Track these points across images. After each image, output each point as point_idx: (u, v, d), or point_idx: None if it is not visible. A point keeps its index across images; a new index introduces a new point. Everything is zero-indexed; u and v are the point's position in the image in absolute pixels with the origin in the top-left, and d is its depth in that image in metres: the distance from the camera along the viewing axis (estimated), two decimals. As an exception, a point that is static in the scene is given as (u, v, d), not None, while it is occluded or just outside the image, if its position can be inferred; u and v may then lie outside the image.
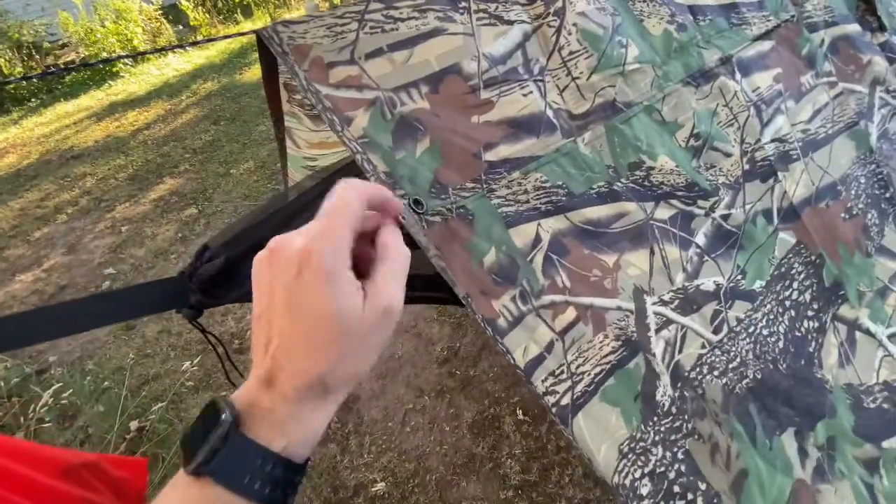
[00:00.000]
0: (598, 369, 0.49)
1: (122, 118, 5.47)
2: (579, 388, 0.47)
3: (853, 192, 0.82)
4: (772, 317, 0.69)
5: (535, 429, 1.80)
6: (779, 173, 0.75)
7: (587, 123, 0.63)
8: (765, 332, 0.68)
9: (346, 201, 0.30)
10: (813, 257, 0.75)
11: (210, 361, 2.27)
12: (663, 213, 0.66)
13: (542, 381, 0.46)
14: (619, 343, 0.52)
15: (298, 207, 0.59)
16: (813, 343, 0.70)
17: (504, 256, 0.49)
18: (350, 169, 0.66)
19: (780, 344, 0.68)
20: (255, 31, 0.46)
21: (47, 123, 5.80)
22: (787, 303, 0.71)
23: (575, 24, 0.63)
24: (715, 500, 0.47)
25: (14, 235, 3.60)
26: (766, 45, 0.84)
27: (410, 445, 1.84)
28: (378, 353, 0.31)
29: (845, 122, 0.85)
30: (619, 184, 0.63)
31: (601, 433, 0.45)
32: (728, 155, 0.72)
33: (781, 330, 0.69)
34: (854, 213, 0.80)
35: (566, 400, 0.46)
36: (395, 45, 0.52)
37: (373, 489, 1.71)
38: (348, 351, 0.29)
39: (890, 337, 0.77)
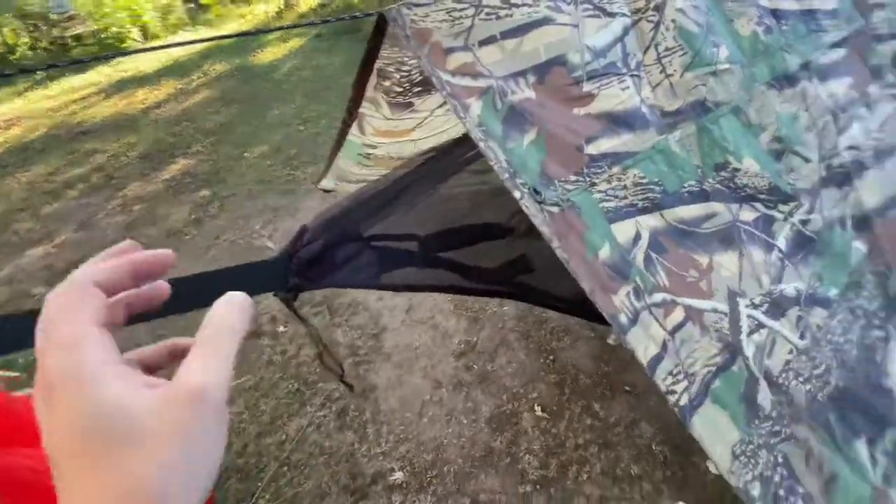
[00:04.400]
0: (705, 370, 0.49)
1: (131, 96, 5.41)
2: (694, 388, 0.47)
3: (920, 203, 0.82)
4: (846, 325, 0.69)
5: (554, 425, 1.81)
6: (854, 181, 0.75)
7: (677, 122, 0.62)
8: (841, 339, 0.68)
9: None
10: (882, 267, 0.74)
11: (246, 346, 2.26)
12: (747, 215, 0.66)
13: (663, 381, 0.47)
14: (722, 345, 0.52)
15: (391, 195, 0.59)
16: (880, 352, 0.71)
17: (614, 251, 0.49)
18: (442, 156, 0.66)
19: (855, 352, 0.68)
20: (380, 11, 0.45)
21: (55, 97, 5.73)
22: (858, 311, 0.72)
23: (673, 21, 0.62)
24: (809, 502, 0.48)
25: (23, 209, 3.56)
26: (840, 53, 0.83)
27: (428, 436, 1.85)
28: (204, 461, 0.21)
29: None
30: (707, 183, 0.63)
31: (715, 435, 0.46)
32: (807, 160, 0.72)
33: (854, 338, 0.69)
34: (921, 225, 0.80)
35: (684, 400, 0.46)
36: (508, 33, 0.51)
37: (391, 478, 1.72)
38: (143, 460, 0.20)
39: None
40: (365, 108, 0.78)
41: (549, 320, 2.22)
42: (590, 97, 0.57)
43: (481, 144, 0.45)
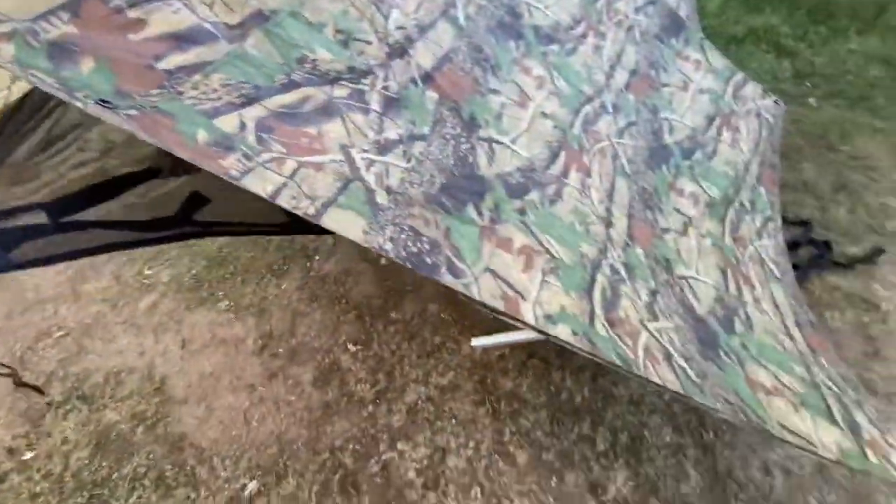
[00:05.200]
0: (329, 193, 0.67)
1: None
2: (318, 203, 0.64)
3: (460, 57, 1.20)
4: (441, 146, 1.00)
5: (369, 349, 2.01)
6: (409, 51, 1.05)
7: (245, 32, 0.75)
8: (440, 157, 0.99)
9: None
10: (452, 104, 1.09)
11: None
12: (340, 92, 0.86)
13: (287, 202, 0.61)
14: (343, 179, 0.71)
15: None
16: (471, 157, 1.06)
17: (216, 134, 0.59)
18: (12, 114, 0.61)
19: (451, 161, 1.00)
20: None
21: None
22: (448, 136, 1.04)
23: None
24: (434, 244, 0.74)
25: None
26: None
27: (264, 435, 1.81)
28: None
29: (440, 11, 1.22)
30: (295, 75, 0.79)
31: (346, 225, 0.65)
32: (369, 43, 0.97)
33: (450, 153, 1.02)
34: (466, 70, 1.19)
35: (312, 210, 0.62)
36: (7, -22, 0.52)
37: (245, 492, 1.65)
38: None
39: (511, 141, 1.20)
40: None
41: (327, 275, 2.35)
42: (141, 23, 0.63)
43: (21, 73, 0.47)
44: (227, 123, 0.63)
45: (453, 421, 1.76)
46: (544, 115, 1.37)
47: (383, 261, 2.40)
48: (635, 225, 1.35)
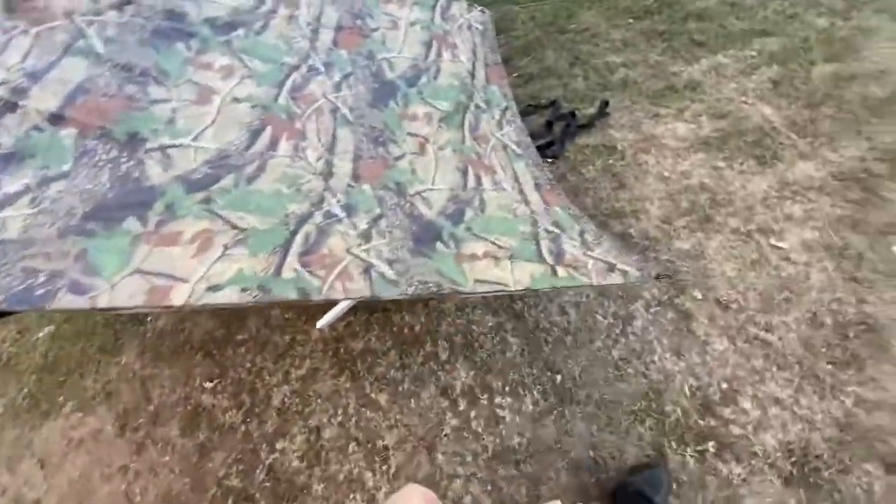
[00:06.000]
0: None
1: None
2: None
3: (101, 83, 1.20)
4: (91, 176, 1.03)
5: (226, 378, 2.03)
6: (22, 101, 1.05)
7: None
8: (89, 185, 1.02)
9: None
10: (99, 131, 1.11)
11: None
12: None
13: None
14: None
15: None
16: (136, 172, 1.09)
17: None
18: None
19: (107, 185, 1.04)
20: None
21: None
22: (101, 163, 1.07)
23: None
24: (55, 273, 0.80)
25: None
26: None
27: (151, 503, 1.79)
28: None
29: (61, 49, 1.20)
30: None
31: None
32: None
33: (105, 179, 1.05)
34: (111, 94, 1.20)
35: None
36: None
37: (147, 563, 1.65)
38: None
39: (193, 139, 1.25)
40: None
41: (163, 330, 2.28)
42: None
43: None
44: None
45: (319, 400, 1.88)
46: (237, 100, 1.42)
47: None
48: (362, 165, 1.49)
